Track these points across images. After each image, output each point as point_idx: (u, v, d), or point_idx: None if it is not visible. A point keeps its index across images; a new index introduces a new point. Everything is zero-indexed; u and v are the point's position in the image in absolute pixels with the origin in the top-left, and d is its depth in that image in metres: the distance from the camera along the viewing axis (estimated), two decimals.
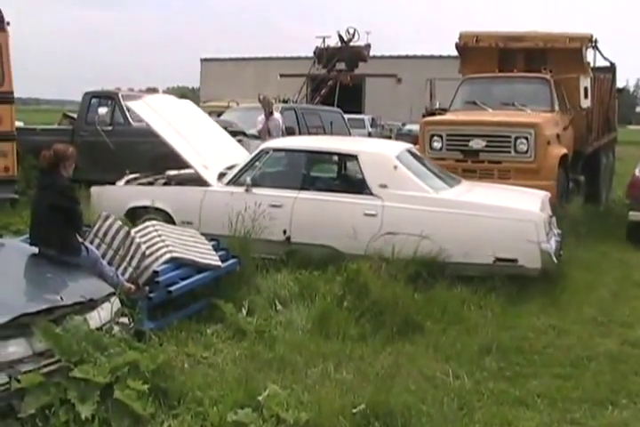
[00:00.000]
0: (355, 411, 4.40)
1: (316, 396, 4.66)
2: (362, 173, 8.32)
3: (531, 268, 7.60)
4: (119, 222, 6.38)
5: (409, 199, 7.97)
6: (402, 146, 9.48)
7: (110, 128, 13.74)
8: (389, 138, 36.57)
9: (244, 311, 6.48)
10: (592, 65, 13.79)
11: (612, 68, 15.23)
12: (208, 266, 6.56)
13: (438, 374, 5.34)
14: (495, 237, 7.67)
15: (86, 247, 5.68)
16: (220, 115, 17.69)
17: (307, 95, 32.05)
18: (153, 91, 17.37)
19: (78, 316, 4.65)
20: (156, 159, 11.73)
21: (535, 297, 7.27)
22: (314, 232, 8.16)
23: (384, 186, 8.10)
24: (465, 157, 11.21)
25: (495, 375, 5.47)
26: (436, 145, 11.42)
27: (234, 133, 13.27)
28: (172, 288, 6.01)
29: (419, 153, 9.54)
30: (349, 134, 17.91)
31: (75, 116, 15.39)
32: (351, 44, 31.24)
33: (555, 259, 7.68)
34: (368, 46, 31.65)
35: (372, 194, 8.13)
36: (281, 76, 36.19)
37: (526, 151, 10.75)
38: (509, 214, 7.84)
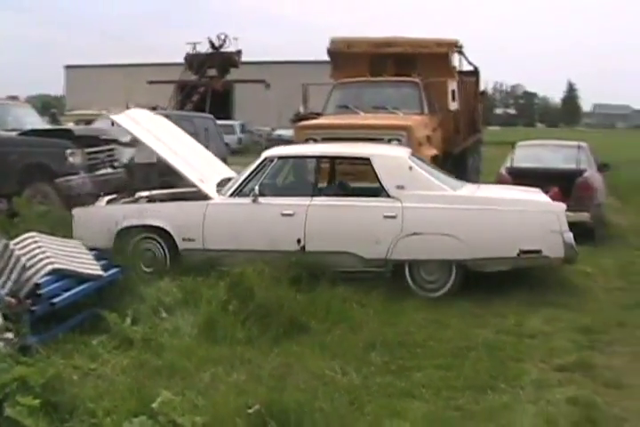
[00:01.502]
0: (250, 411, 4.43)
1: (210, 399, 4.70)
2: (377, 175, 8.14)
3: (554, 257, 7.83)
4: None
5: (428, 199, 7.94)
6: (404, 149, 9.46)
7: None
8: (259, 143, 36.80)
9: (129, 320, 6.39)
10: (458, 69, 14.38)
11: (475, 72, 15.88)
12: (90, 276, 6.46)
13: (327, 371, 5.46)
14: (519, 229, 7.83)
15: None
16: (88, 123, 17.36)
17: (177, 102, 31.80)
18: (13, 98, 16.87)
19: None
20: (26, 169, 11.42)
21: (415, 293, 7.52)
22: (331, 239, 7.99)
23: (401, 187, 7.99)
24: None
25: (381, 370, 5.64)
26: None
27: (107, 142, 13.08)
28: (54, 300, 5.88)
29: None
30: (222, 141, 17.87)
31: None
32: (222, 50, 31.25)
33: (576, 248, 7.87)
34: (239, 52, 31.77)
35: (389, 196, 8.00)
36: (149, 82, 35.72)
37: None
38: (532, 207, 8.06)
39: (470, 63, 15.33)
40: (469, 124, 15.43)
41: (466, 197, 8.17)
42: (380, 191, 8.10)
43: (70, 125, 17.24)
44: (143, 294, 7.11)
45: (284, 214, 8.03)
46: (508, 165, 12.19)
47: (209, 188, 8.62)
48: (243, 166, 13.40)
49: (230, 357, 5.72)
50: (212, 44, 31.54)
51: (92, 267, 6.57)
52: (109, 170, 12.95)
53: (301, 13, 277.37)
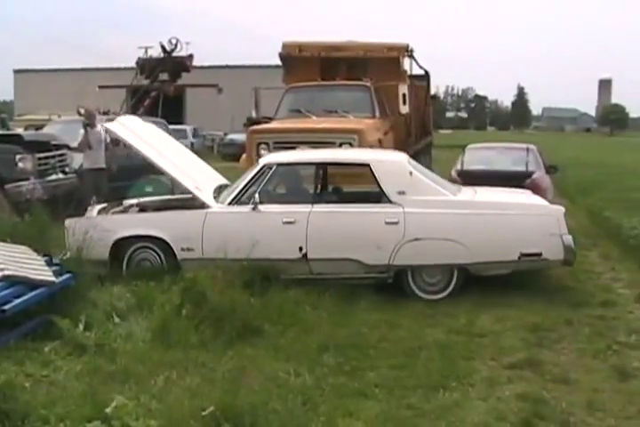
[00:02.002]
0: (204, 414, 4.47)
1: (164, 403, 4.72)
2: (377, 181, 8.12)
3: (554, 260, 7.97)
4: None
5: (430, 204, 7.98)
6: (402, 154, 9.43)
7: None
8: (212, 148, 36.67)
9: (82, 326, 6.32)
10: (409, 73, 14.53)
11: (426, 76, 16.04)
12: (42, 282, 6.38)
13: (280, 373, 5.51)
14: (519, 233, 7.93)
15: None
16: (38, 128, 17.14)
17: (129, 106, 31.57)
18: None
19: None
20: None
21: (367, 295, 7.56)
22: (333, 246, 7.94)
23: (402, 193, 7.99)
24: None
25: (334, 371, 5.69)
26: (264, 153, 11.61)
27: (57, 147, 12.95)
28: (5, 307, 5.77)
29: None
30: None
31: None
32: (174, 54, 31.12)
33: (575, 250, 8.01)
34: (191, 56, 31.66)
35: (390, 202, 8.00)
36: (100, 87, 35.40)
37: None
38: (532, 210, 8.19)
39: (421, 67, 15.49)
40: (420, 127, 15.58)
41: (467, 202, 8.24)
42: (380, 197, 8.11)
43: (20, 131, 17.04)
44: (96, 299, 7.07)
45: (285, 222, 7.98)
46: (459, 167, 12.36)
47: (206, 196, 8.52)
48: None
49: (184, 360, 5.72)
50: (164, 49, 31.36)
51: (43, 273, 6.50)
52: (60, 175, 12.82)
53: (252, 20, 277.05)
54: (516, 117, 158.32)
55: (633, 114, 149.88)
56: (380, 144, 11.87)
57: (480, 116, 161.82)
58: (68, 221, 8.68)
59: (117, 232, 8.36)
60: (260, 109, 14.04)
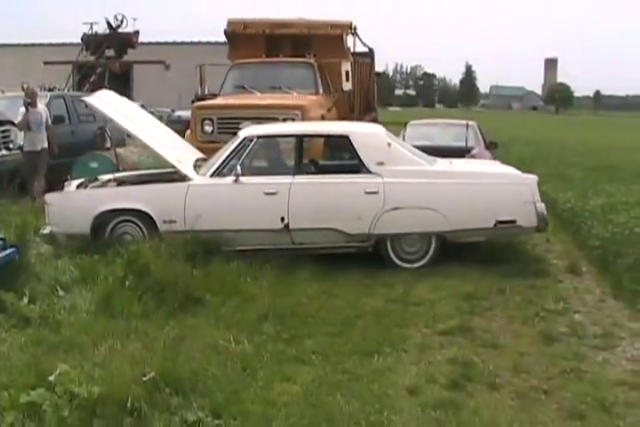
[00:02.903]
0: (145, 379, 4.61)
1: (107, 370, 4.83)
2: (356, 152, 8.30)
3: (528, 227, 8.32)
4: None
5: (408, 174, 8.19)
6: (379, 125, 9.63)
7: None
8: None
9: (26, 299, 6.40)
10: (353, 50, 14.68)
11: (370, 54, 16.21)
12: None
13: (221, 341, 5.67)
14: (495, 201, 8.23)
15: None
16: None
17: (75, 83, 31.15)
18: None
19: None
20: None
21: (306, 266, 7.72)
22: (315, 216, 8.11)
23: (381, 163, 8.18)
24: None
25: (273, 338, 5.89)
26: (208, 129, 11.75)
27: (1, 123, 12.83)
28: None
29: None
30: None
31: None
32: (120, 30, 30.76)
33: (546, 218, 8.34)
34: (137, 33, 31.33)
35: (370, 172, 8.18)
36: (45, 63, 34.78)
37: None
38: (506, 179, 8.49)
39: (365, 45, 15.69)
40: (364, 103, 15.79)
41: (444, 172, 8.50)
42: (359, 168, 8.28)
43: None
44: (40, 273, 7.15)
45: (266, 193, 8.11)
46: None
47: (187, 168, 8.60)
48: (143, 147, 13.40)
49: (127, 330, 5.84)
50: (110, 25, 30.96)
51: None
52: (4, 152, 12.72)
53: None
54: (463, 95, 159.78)
55: (578, 93, 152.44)
56: (323, 120, 12.03)
57: (428, 93, 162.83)
58: (49, 196, 8.78)
59: (100, 206, 8.39)
60: (205, 86, 14.10)
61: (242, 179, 8.18)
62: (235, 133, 11.49)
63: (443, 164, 8.89)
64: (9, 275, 6.76)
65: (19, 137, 13.22)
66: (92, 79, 29.98)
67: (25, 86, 14.03)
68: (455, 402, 4.76)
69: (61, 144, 12.93)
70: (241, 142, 8.50)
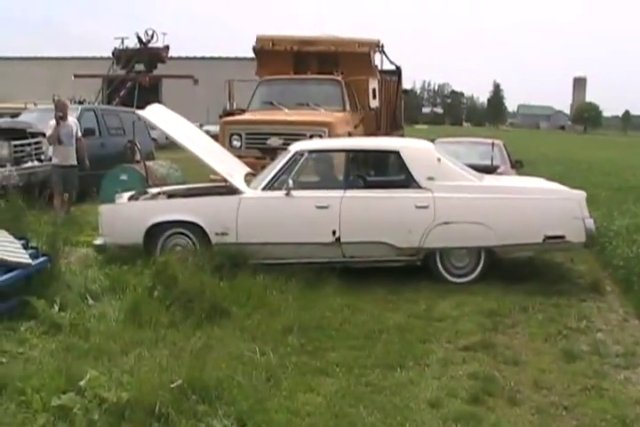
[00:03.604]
0: (173, 386, 4.73)
1: (135, 377, 4.95)
2: (407, 167, 8.42)
3: (576, 242, 8.34)
4: None
5: (458, 189, 8.30)
6: (428, 142, 9.84)
7: None
8: None
9: (57, 307, 6.56)
10: (380, 68, 14.82)
11: (397, 71, 16.34)
12: (18, 264, 6.59)
13: (246, 352, 5.76)
14: (544, 216, 8.27)
15: None
16: (14, 116, 17.22)
17: (104, 96, 31.62)
18: None
19: None
20: None
21: (331, 281, 7.81)
22: (366, 230, 8.21)
23: (431, 178, 8.30)
24: (263, 154, 11.76)
25: (298, 350, 5.97)
26: (236, 143, 11.93)
27: (33, 135, 13.09)
28: None
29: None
30: (149, 136, 17.87)
31: None
32: (150, 45, 31.24)
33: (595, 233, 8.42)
34: (166, 48, 31.83)
35: (420, 187, 8.31)
36: (75, 76, 35.34)
37: None
38: (555, 195, 8.57)
39: (392, 62, 15.81)
40: (391, 120, 15.90)
41: (493, 187, 8.61)
42: (409, 182, 8.41)
43: None
44: (70, 281, 7.32)
45: (318, 207, 8.23)
46: None
47: (239, 182, 8.73)
48: (172, 161, 13.57)
49: (155, 339, 5.97)
50: (140, 40, 31.52)
51: (19, 255, 6.71)
52: (36, 163, 12.98)
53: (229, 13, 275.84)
54: (491, 114, 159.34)
55: (606, 113, 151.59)
56: (350, 137, 12.15)
57: (456, 111, 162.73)
58: (103, 207, 8.98)
59: (153, 218, 8.52)
60: (233, 101, 14.28)
61: (293, 192, 8.29)
62: (262, 149, 11.76)
63: (490, 179, 9.01)
64: (41, 283, 6.93)
65: (49, 149, 13.48)
66: (121, 93, 30.42)
67: (56, 99, 14.27)
68: (476, 416, 4.81)
69: (91, 156, 13.08)
70: (292, 157, 8.61)
